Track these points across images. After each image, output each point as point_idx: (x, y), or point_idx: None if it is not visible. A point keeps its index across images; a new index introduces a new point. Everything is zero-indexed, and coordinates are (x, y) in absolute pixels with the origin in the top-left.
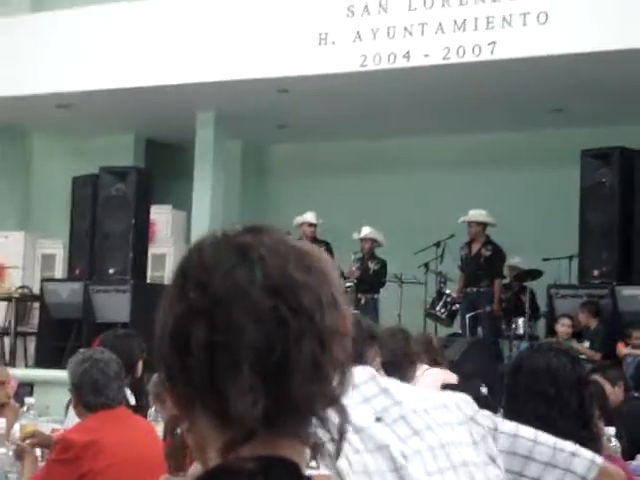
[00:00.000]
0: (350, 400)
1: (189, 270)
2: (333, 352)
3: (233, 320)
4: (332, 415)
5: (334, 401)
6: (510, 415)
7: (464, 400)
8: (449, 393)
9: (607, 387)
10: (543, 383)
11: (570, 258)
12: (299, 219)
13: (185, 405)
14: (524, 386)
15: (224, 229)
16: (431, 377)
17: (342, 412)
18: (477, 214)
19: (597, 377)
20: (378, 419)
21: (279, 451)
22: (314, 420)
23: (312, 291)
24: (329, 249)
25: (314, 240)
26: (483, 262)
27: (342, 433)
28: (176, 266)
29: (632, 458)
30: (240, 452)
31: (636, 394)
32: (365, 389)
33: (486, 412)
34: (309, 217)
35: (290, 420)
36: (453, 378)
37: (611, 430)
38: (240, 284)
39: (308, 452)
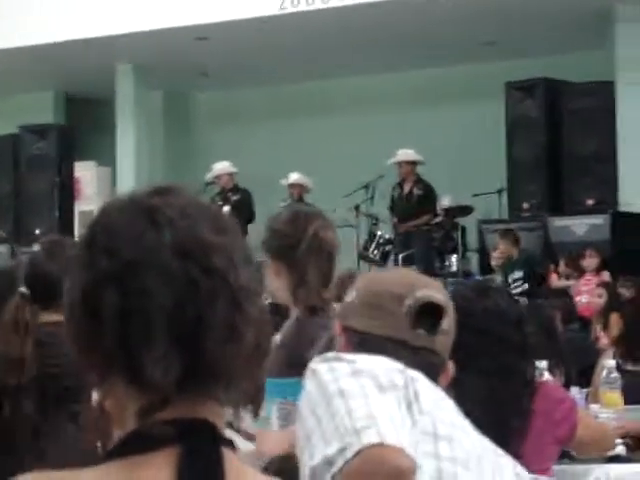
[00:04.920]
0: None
1: (96, 236)
2: (248, 311)
3: (144, 285)
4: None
5: (250, 361)
6: (459, 354)
7: None
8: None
9: None
10: (494, 323)
11: (499, 192)
12: (217, 170)
13: (99, 372)
14: (475, 327)
15: (131, 192)
16: None
17: (254, 378)
18: (406, 153)
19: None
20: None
21: (196, 413)
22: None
23: (223, 251)
24: (249, 197)
25: (234, 189)
26: (415, 201)
27: (259, 392)
28: (82, 232)
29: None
30: (157, 416)
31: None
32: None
33: None
34: (226, 166)
35: (206, 382)
36: None
37: (542, 364)
38: (149, 248)
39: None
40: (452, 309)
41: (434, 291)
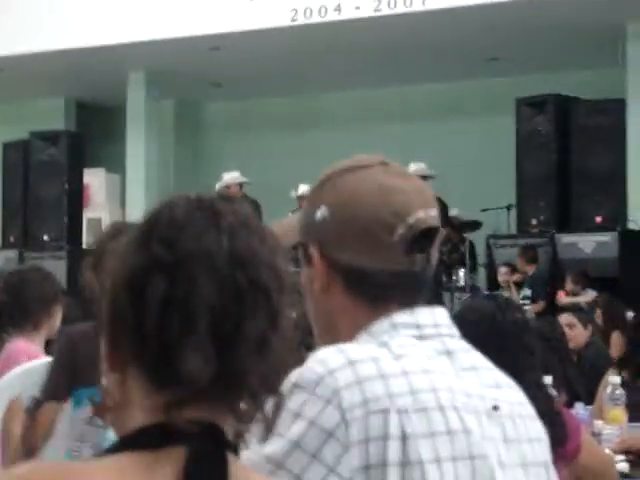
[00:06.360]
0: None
1: (156, 225)
2: (282, 330)
3: (195, 279)
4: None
5: (273, 377)
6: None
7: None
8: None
9: (579, 327)
10: (520, 338)
11: (508, 208)
12: (227, 179)
13: (121, 360)
14: (498, 342)
15: (197, 193)
16: None
17: (277, 394)
18: (419, 168)
19: (570, 317)
20: (495, 407)
21: (212, 418)
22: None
23: (274, 270)
24: (257, 207)
25: (243, 199)
26: None
27: (276, 410)
28: (141, 220)
29: (570, 405)
30: (178, 413)
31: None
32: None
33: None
34: (236, 176)
35: (231, 390)
36: None
37: (547, 379)
38: (206, 248)
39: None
40: (440, 213)
41: (424, 210)
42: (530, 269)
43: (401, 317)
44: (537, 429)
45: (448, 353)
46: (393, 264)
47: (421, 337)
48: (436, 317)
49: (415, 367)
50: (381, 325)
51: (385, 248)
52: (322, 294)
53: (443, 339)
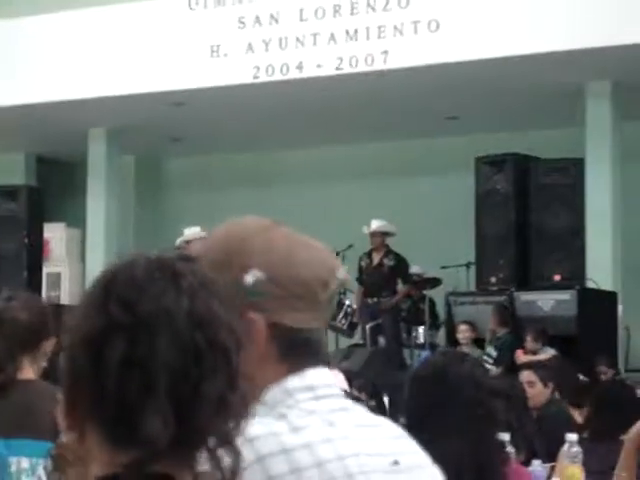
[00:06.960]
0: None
1: (114, 285)
2: (241, 391)
3: (154, 340)
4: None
5: (230, 440)
6: (430, 425)
7: None
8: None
9: (539, 385)
10: (471, 391)
11: (468, 265)
12: (188, 235)
13: (78, 418)
14: (449, 395)
15: (158, 253)
16: None
17: (235, 453)
18: (382, 224)
19: (531, 375)
20: (395, 462)
21: (174, 472)
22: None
23: (232, 332)
24: None
25: None
26: (386, 272)
27: (234, 473)
28: (98, 278)
29: (528, 463)
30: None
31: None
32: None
33: None
34: (197, 231)
35: (187, 451)
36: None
37: (505, 436)
38: (166, 309)
39: None
40: None
41: (340, 267)
42: (500, 330)
43: (292, 382)
44: (434, 475)
45: (345, 410)
46: (321, 322)
47: (317, 398)
48: (325, 377)
49: (317, 437)
50: (274, 393)
51: (320, 305)
52: (257, 363)
53: (336, 398)
